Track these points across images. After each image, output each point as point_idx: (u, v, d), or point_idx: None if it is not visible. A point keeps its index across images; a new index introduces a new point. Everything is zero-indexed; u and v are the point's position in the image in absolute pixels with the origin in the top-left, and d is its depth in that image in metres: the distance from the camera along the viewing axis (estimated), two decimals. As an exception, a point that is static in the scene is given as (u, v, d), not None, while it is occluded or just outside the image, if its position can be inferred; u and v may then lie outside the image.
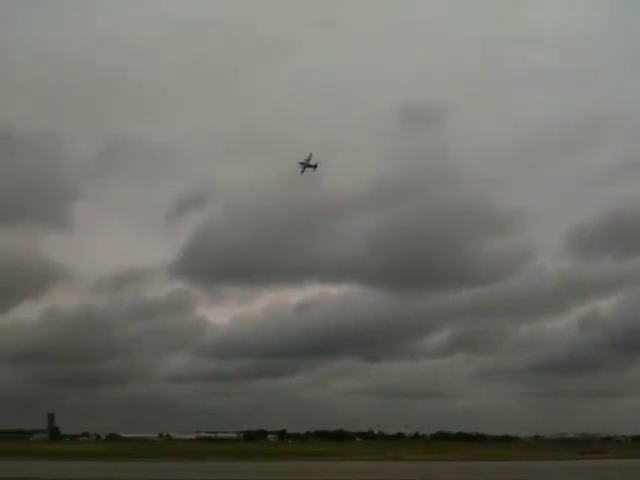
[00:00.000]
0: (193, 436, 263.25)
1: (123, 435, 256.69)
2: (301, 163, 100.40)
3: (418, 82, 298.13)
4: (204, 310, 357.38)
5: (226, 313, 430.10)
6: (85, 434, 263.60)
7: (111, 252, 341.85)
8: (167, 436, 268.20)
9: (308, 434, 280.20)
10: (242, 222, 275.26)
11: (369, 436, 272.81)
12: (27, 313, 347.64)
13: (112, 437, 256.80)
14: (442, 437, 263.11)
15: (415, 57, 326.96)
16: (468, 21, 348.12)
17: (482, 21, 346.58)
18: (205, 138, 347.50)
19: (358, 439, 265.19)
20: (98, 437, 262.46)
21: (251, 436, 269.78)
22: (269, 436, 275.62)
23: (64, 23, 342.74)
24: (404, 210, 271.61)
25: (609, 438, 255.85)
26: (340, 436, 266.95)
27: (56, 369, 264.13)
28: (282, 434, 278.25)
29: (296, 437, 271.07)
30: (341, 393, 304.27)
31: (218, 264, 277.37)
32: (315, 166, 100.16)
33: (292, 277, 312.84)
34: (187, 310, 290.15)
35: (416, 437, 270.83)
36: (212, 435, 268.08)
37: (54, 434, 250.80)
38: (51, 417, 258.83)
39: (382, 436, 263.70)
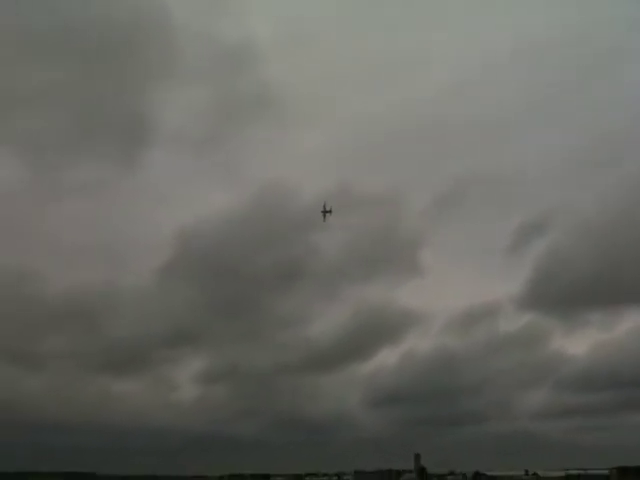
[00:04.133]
0: (562, 473, 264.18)
1: (488, 473, 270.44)
2: (322, 212, 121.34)
3: None
4: (560, 340, 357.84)
5: (585, 341, 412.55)
6: (451, 473, 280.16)
7: (459, 291, 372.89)
8: (534, 474, 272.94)
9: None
10: (592, 241, 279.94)
11: None
12: (387, 358, 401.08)
13: (477, 475, 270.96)
14: None
15: None
16: None
17: None
18: (539, 161, 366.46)
19: None
20: (464, 475, 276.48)
21: (627, 472, 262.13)
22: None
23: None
24: None
25: None
26: None
27: (418, 410, 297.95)
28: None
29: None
30: None
31: (570, 290, 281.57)
32: (330, 211, 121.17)
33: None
34: (542, 342, 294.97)
35: None
36: (582, 472, 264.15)
37: (421, 474, 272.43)
38: (417, 457, 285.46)
39: None
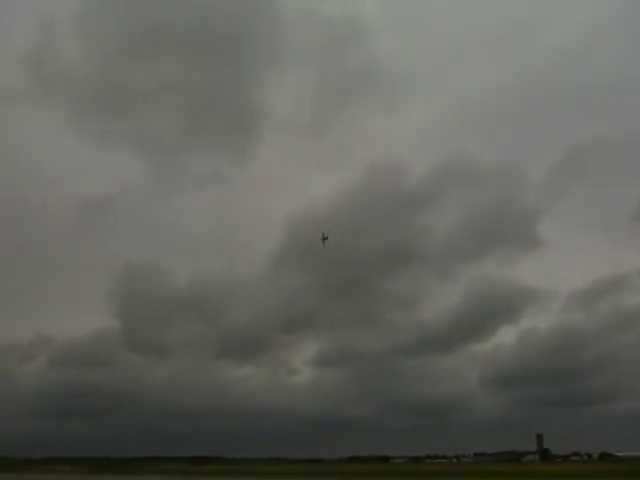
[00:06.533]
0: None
1: (617, 454, 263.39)
2: (322, 239, 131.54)
3: None
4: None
5: None
6: (576, 454, 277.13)
7: (580, 264, 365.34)
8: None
9: None
10: None
11: None
12: (506, 337, 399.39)
13: (604, 456, 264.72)
14: None
15: None
16: None
17: None
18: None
19: None
20: (590, 456, 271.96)
21: None
22: None
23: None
24: None
25: None
26: None
27: (540, 390, 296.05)
28: None
29: None
30: None
31: None
32: (327, 238, 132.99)
33: None
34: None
35: None
36: None
37: (544, 455, 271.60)
38: (539, 438, 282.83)
39: None
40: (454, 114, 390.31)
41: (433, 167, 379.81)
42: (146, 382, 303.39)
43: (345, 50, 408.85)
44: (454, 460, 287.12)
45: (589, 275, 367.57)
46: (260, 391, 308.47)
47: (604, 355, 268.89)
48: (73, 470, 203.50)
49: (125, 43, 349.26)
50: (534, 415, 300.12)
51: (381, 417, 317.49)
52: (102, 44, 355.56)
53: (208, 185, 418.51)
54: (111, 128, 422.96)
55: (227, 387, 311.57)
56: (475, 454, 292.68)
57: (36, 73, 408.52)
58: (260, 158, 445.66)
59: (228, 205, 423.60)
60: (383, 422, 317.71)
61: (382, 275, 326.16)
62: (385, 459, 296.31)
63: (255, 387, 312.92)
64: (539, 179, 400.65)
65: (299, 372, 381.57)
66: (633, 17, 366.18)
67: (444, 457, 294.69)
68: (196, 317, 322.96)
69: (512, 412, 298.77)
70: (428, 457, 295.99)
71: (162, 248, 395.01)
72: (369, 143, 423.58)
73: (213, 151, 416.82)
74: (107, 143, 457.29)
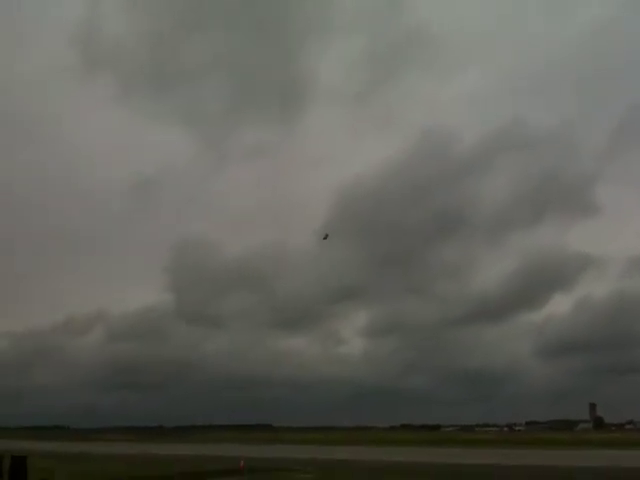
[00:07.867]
0: None
1: None
2: (323, 237, 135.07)
3: None
4: None
5: None
6: (630, 422, 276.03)
7: (638, 229, 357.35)
8: None
9: None
10: None
11: None
12: (560, 306, 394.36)
13: None
14: None
15: None
16: None
17: None
18: None
19: None
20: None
21: None
22: None
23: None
24: None
25: None
26: None
27: (594, 358, 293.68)
28: None
29: None
30: None
31: None
32: (327, 236, 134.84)
33: None
34: None
35: None
36: None
37: (598, 423, 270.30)
38: (592, 407, 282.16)
39: None
40: (506, 79, 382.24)
41: (484, 133, 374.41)
42: (199, 353, 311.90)
43: (394, 15, 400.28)
44: (505, 429, 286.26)
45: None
46: (311, 361, 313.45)
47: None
48: (123, 439, 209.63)
49: (173, 18, 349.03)
50: (588, 384, 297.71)
51: (432, 387, 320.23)
52: (150, 20, 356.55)
53: (257, 158, 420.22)
54: (160, 104, 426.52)
55: (278, 357, 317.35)
56: (527, 423, 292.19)
57: (84, 50, 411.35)
58: (309, 129, 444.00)
59: (277, 177, 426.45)
60: (434, 392, 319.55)
61: (432, 244, 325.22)
62: (436, 427, 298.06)
63: (306, 357, 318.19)
64: (594, 143, 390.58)
65: (349, 342, 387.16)
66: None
67: (495, 425, 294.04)
68: (247, 289, 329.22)
69: (565, 381, 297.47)
70: (478, 425, 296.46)
71: (213, 222, 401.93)
72: (419, 110, 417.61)
73: (261, 124, 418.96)
74: (156, 119, 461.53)
